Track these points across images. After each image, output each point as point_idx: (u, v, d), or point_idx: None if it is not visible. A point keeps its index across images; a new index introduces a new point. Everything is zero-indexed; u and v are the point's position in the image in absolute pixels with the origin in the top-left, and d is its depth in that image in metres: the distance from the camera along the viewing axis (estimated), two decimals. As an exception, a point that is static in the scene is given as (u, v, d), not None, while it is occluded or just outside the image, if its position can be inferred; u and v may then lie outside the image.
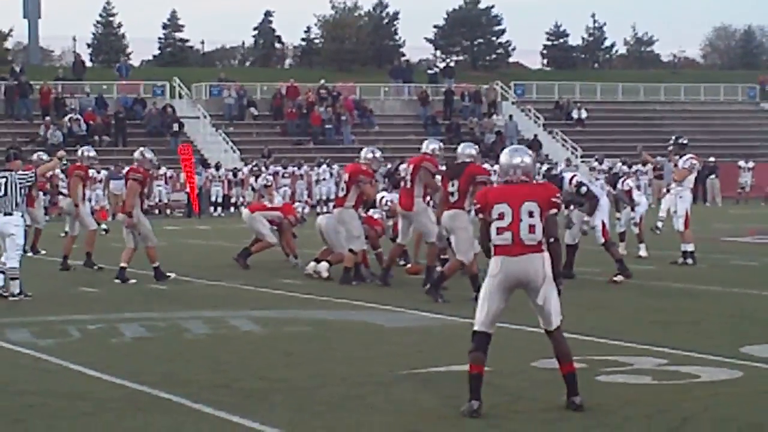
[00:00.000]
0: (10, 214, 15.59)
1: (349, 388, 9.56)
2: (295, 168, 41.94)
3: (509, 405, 8.82)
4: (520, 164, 8.66)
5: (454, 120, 50.90)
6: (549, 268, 8.53)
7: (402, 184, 17.65)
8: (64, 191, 23.59)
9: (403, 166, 19.15)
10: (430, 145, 16.66)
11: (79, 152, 21.59)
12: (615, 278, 17.36)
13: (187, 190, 38.40)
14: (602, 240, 17.78)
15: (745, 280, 18.08)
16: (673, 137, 21.59)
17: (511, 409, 8.69)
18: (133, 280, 17.44)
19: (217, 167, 41.41)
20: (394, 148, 42.72)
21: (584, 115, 54.78)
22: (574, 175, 19.21)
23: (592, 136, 52.74)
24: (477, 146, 16.87)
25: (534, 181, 8.89)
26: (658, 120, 56.64)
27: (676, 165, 20.53)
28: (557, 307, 8.48)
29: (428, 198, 17.09)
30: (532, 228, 8.45)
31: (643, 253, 20.92)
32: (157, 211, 38.68)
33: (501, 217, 8.51)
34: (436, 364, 10.47)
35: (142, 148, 19.37)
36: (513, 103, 55.49)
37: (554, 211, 8.63)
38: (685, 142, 19.64)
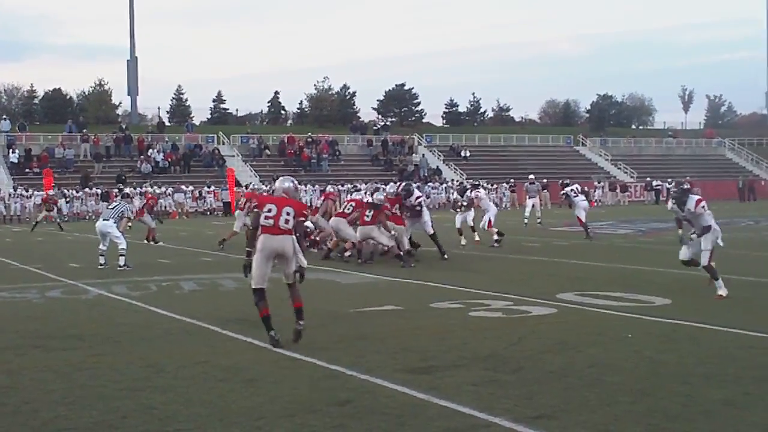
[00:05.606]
0: (107, 220, 19.05)
1: (318, 319, 11.22)
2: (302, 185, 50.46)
3: (412, 330, 10.51)
4: (284, 187, 10.10)
5: (388, 157, 65.21)
6: (296, 248, 9.81)
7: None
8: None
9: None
10: (379, 196, 19.88)
11: (150, 188, 25.17)
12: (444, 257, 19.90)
13: (227, 199, 49.46)
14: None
15: (561, 253, 21.26)
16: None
17: (415, 329, 10.45)
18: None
19: (246, 186, 48.95)
20: (352, 174, 57.97)
21: (468, 154, 68.61)
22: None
23: (473, 167, 65.08)
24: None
25: (291, 198, 10.06)
26: (513, 157, 69.40)
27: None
28: (293, 269, 9.70)
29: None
30: (287, 221, 9.73)
31: (463, 243, 23.26)
32: (208, 213, 51.58)
33: (269, 211, 9.75)
34: (372, 305, 12.46)
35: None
36: (424, 146, 69.37)
37: (302, 219, 9.97)
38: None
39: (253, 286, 9.68)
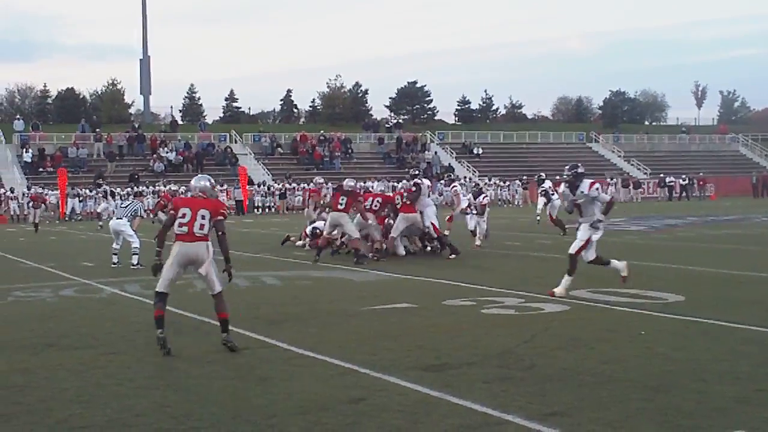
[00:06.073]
0: (120, 219, 19.16)
1: (331, 317, 11.43)
2: (305, 184, 48.66)
3: (426, 328, 10.52)
4: (200, 186, 9.73)
5: (401, 155, 65.27)
6: (211, 252, 9.43)
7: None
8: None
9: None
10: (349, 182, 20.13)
11: (165, 187, 24.99)
12: (450, 256, 19.66)
13: (239, 197, 50.43)
14: (435, 234, 20.42)
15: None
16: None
17: (428, 326, 10.47)
18: None
19: (258, 185, 53.11)
20: (365, 171, 57.89)
21: (480, 151, 68.32)
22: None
23: (485, 164, 65.01)
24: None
25: (209, 197, 9.68)
26: (525, 154, 69.05)
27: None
28: (216, 277, 9.45)
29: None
30: (201, 226, 9.40)
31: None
32: None
33: (183, 216, 9.44)
34: (385, 303, 12.45)
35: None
36: (437, 144, 68.72)
37: (220, 217, 9.52)
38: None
39: (157, 289, 9.49)
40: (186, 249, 9.40)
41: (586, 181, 12.92)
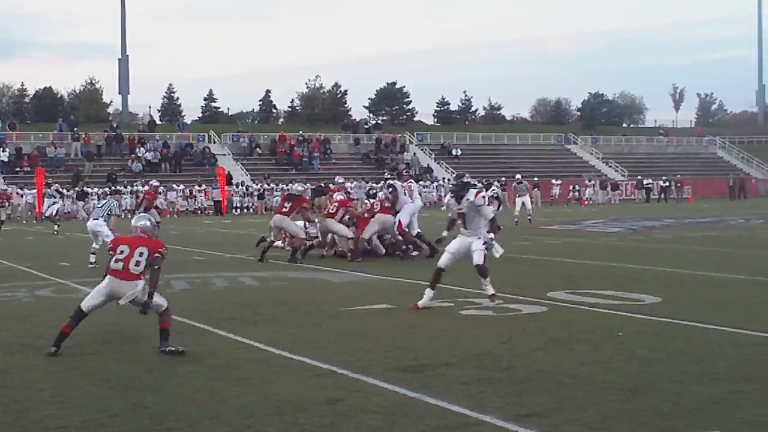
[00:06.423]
0: (97, 219, 19.03)
1: (309, 318, 11.43)
2: (283, 185, 49.79)
3: (404, 329, 10.61)
4: (140, 225, 9.76)
5: (380, 155, 65.43)
6: (144, 289, 9.33)
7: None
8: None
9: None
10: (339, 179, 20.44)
11: (142, 186, 24.66)
12: (412, 253, 19.89)
13: (217, 198, 50.72)
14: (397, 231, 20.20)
15: (551, 251, 21.26)
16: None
17: (407, 328, 10.46)
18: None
19: (237, 185, 53.16)
20: (344, 172, 51.58)
21: (459, 152, 68.74)
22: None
23: (464, 165, 62.41)
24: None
25: (149, 237, 9.70)
26: (504, 156, 69.51)
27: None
28: (160, 302, 9.37)
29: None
30: (137, 263, 9.39)
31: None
32: (198, 212, 50.67)
33: (122, 252, 9.44)
34: (363, 304, 12.45)
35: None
36: (416, 145, 68.88)
37: (158, 255, 9.43)
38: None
39: (81, 305, 9.56)
40: (115, 286, 9.41)
41: (472, 190, 12.61)
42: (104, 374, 8.32)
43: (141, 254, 9.39)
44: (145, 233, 9.72)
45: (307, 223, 21.04)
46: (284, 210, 20.17)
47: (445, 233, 13.44)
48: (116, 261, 9.41)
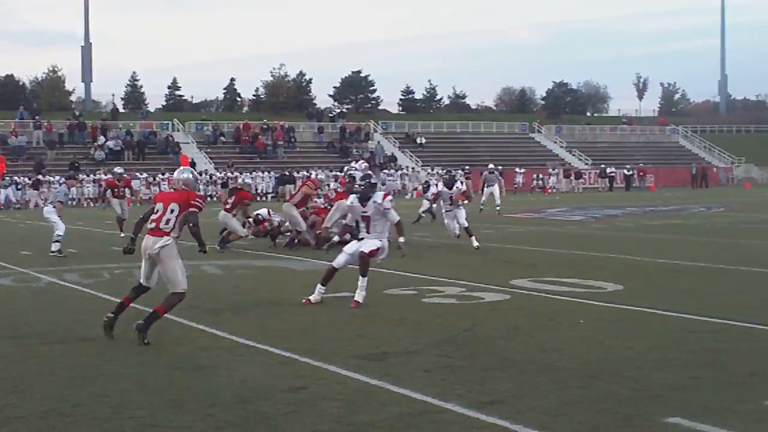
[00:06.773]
0: (47, 206, 19.30)
1: (272, 306, 11.49)
2: (247, 173, 49.99)
3: (367, 317, 10.63)
4: (182, 178, 9.71)
5: (344, 144, 64.20)
6: (169, 246, 9.30)
7: None
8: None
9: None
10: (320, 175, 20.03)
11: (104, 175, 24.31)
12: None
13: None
14: None
15: (515, 240, 21.43)
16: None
17: (369, 316, 10.49)
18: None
19: (201, 174, 51.45)
20: (308, 160, 57.59)
21: (423, 141, 67.94)
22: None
23: (428, 154, 64.82)
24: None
25: (190, 190, 9.66)
26: (469, 144, 69.18)
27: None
28: (180, 277, 9.45)
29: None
30: (168, 220, 9.36)
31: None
32: None
33: (156, 212, 9.49)
34: (326, 292, 11.93)
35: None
36: (380, 133, 68.86)
37: (193, 209, 9.42)
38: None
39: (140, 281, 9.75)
40: (147, 243, 9.46)
41: (380, 193, 12.30)
42: (66, 363, 8.27)
43: (172, 211, 9.44)
44: (187, 186, 9.76)
45: (270, 211, 21.00)
46: (227, 207, 20.19)
47: (336, 238, 13.91)
48: (152, 221, 9.50)
